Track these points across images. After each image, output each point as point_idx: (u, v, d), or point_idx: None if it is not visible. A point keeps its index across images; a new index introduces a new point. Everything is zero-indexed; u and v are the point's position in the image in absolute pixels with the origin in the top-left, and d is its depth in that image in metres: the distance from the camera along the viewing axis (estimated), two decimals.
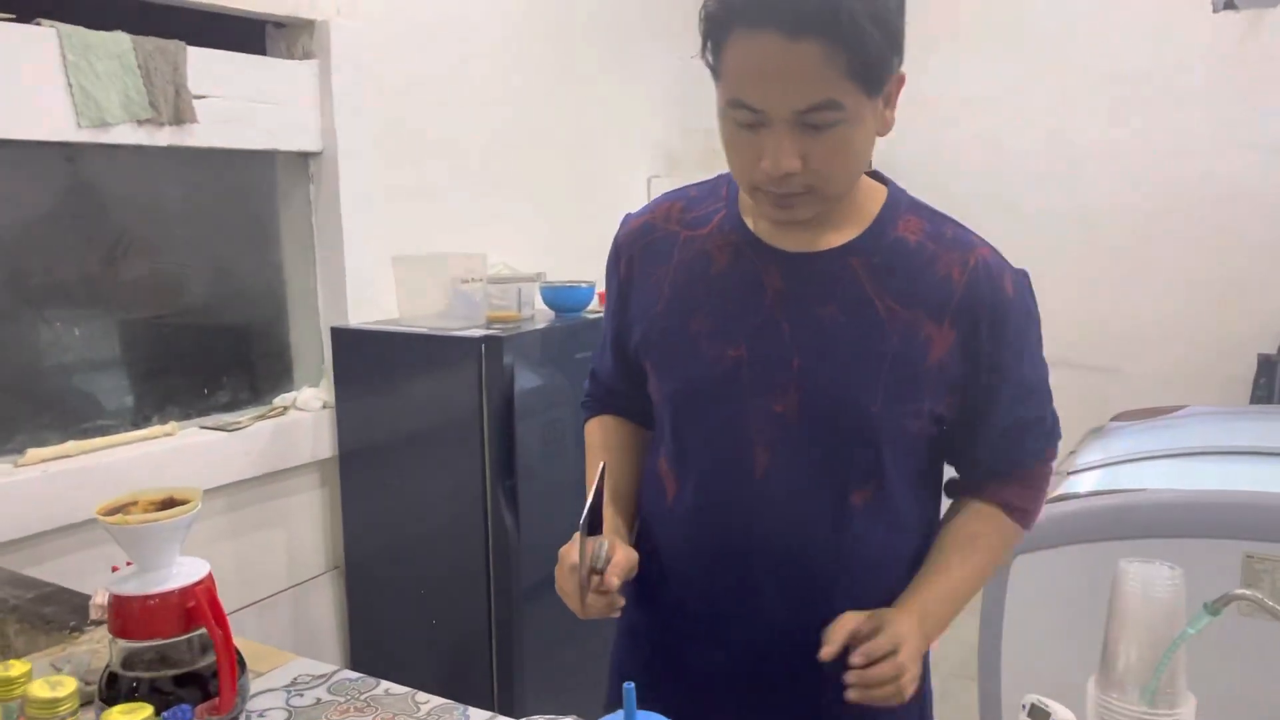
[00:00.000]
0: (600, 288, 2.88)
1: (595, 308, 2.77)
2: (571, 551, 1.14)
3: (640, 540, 1.28)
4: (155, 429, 2.25)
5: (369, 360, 2.47)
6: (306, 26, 2.49)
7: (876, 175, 1.19)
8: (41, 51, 1.94)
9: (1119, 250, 4.17)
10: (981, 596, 2.28)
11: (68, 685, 0.69)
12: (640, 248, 1.24)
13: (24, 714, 0.74)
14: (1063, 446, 2.64)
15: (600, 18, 3.55)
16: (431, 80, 2.78)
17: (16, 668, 0.73)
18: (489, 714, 1.23)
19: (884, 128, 1.06)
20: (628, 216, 1.30)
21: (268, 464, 2.41)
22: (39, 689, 0.69)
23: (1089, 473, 2.51)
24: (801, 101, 0.97)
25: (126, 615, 1.08)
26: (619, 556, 1.12)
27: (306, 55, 2.51)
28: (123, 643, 1.09)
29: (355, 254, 2.59)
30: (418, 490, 2.43)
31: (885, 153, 4.40)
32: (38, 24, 1.95)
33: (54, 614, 1.51)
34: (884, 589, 1.17)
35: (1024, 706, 1.01)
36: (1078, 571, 2.14)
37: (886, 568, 1.19)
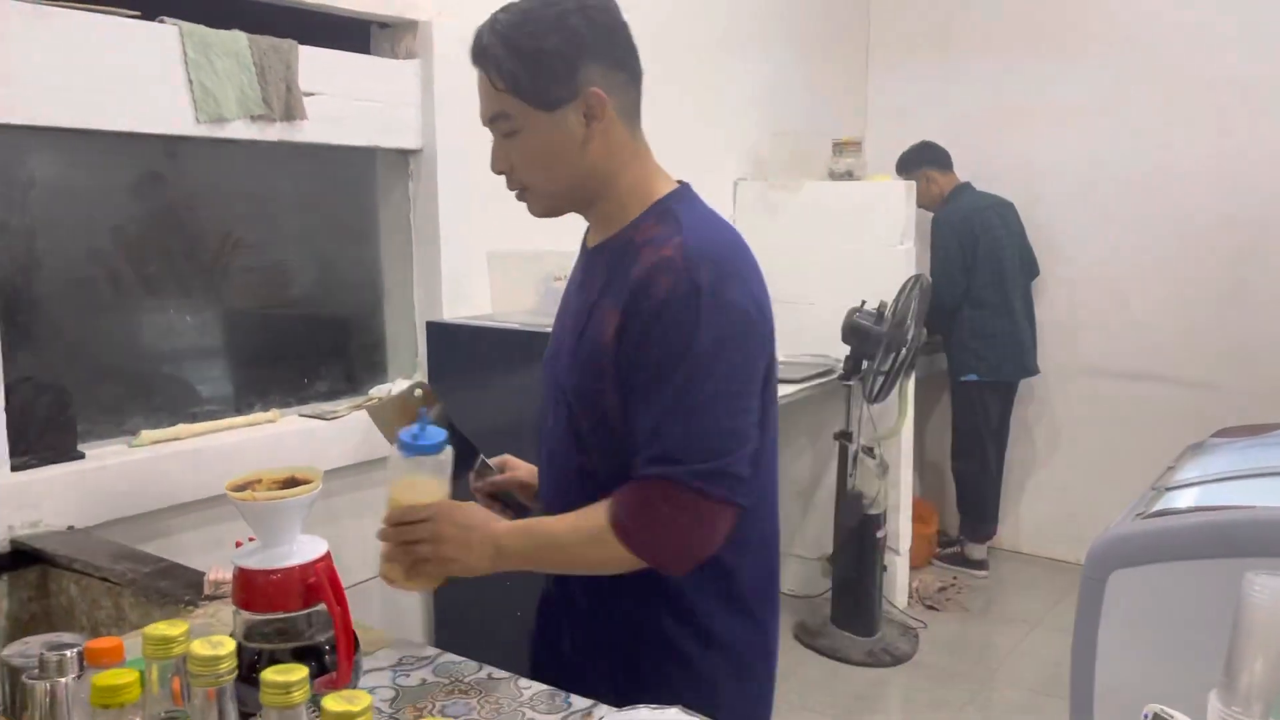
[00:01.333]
0: None
1: None
2: None
3: None
4: (258, 415, 2.32)
5: (462, 354, 2.51)
6: (410, 27, 2.55)
7: (672, 193, 1.30)
8: (164, 48, 2.02)
9: (1219, 263, 4.05)
10: (1076, 612, 2.23)
11: (227, 644, 0.72)
12: None
13: (180, 673, 0.77)
14: (1161, 461, 2.59)
15: (691, 22, 3.57)
16: None
17: (177, 626, 0.76)
18: (590, 701, 1.24)
19: (589, 138, 1.23)
20: None
21: (361, 453, 2.46)
22: (200, 647, 0.72)
23: (1188, 489, 2.44)
24: (484, 114, 1.25)
25: (251, 588, 1.12)
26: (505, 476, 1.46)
27: (409, 55, 2.56)
28: (246, 614, 1.13)
29: (451, 250, 2.63)
30: None
31: (974, 161, 4.35)
32: (161, 21, 2.03)
33: (169, 588, 1.57)
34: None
35: (1145, 716, 0.99)
36: (1178, 588, 2.08)
37: None
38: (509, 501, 1.46)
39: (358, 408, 2.50)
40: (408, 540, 1.26)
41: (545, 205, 1.29)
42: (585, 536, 1.22)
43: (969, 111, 4.44)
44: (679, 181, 1.34)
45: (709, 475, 1.16)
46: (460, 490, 1.40)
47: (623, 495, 1.19)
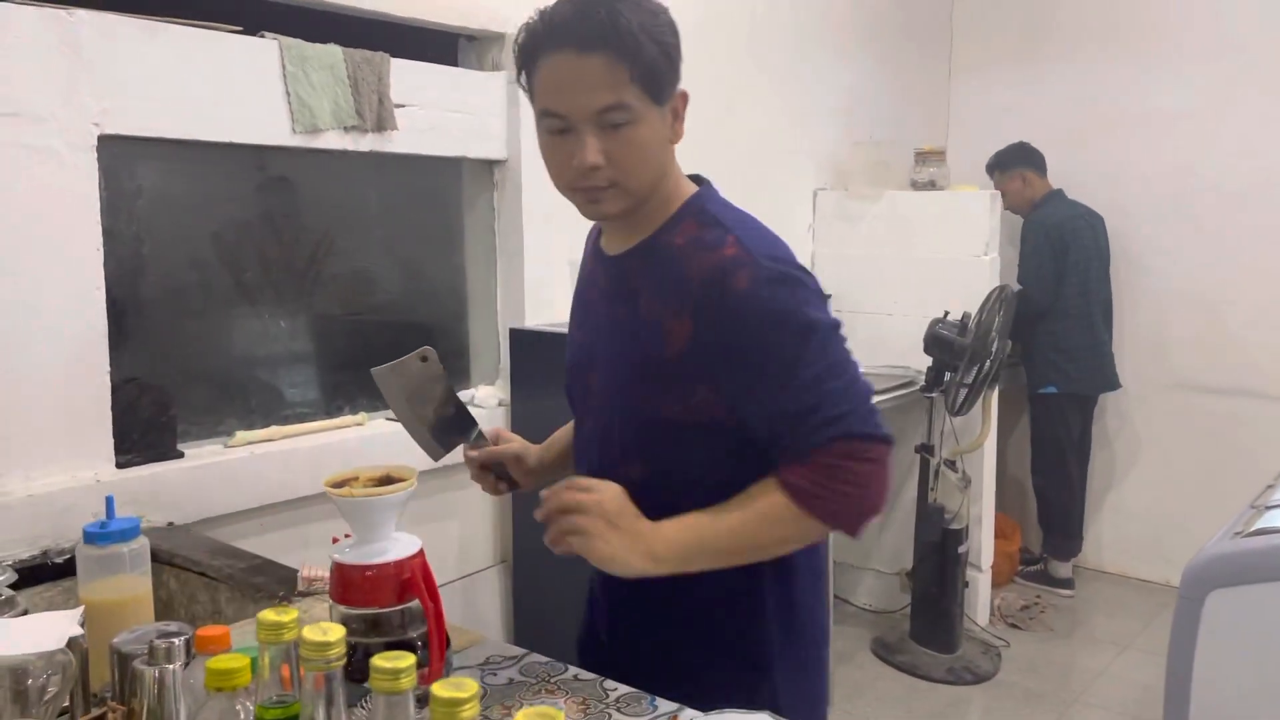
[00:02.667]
0: None
1: None
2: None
3: None
4: (347, 418, 2.38)
5: (544, 360, 2.54)
6: (497, 39, 2.60)
7: (694, 178, 1.33)
8: (263, 62, 2.09)
9: None
10: (1170, 634, 2.16)
11: (337, 631, 0.74)
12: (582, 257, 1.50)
13: (290, 659, 0.80)
14: (1257, 480, 2.50)
15: (772, 31, 3.57)
16: None
17: (287, 613, 0.78)
18: (675, 705, 1.25)
19: (675, 137, 1.26)
20: None
21: (446, 458, 2.50)
22: (311, 633, 0.74)
23: None
24: (597, 103, 1.16)
25: (347, 583, 1.15)
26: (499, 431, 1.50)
27: (496, 67, 2.61)
28: (341, 609, 1.16)
29: (534, 258, 2.67)
30: None
31: (1060, 170, 4.26)
32: (261, 36, 2.10)
33: (264, 584, 1.61)
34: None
35: None
36: (1279, 609, 2.00)
37: None
38: (500, 474, 1.50)
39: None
40: (565, 509, 1.19)
41: (626, 203, 1.24)
42: (762, 519, 1.19)
43: (1054, 119, 4.35)
44: (695, 177, 1.34)
45: (870, 415, 1.18)
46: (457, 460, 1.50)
47: (799, 469, 1.17)
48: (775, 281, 1.18)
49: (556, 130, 1.20)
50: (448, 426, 1.42)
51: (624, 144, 1.18)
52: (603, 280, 1.35)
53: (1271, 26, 3.91)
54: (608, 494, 1.18)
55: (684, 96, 1.25)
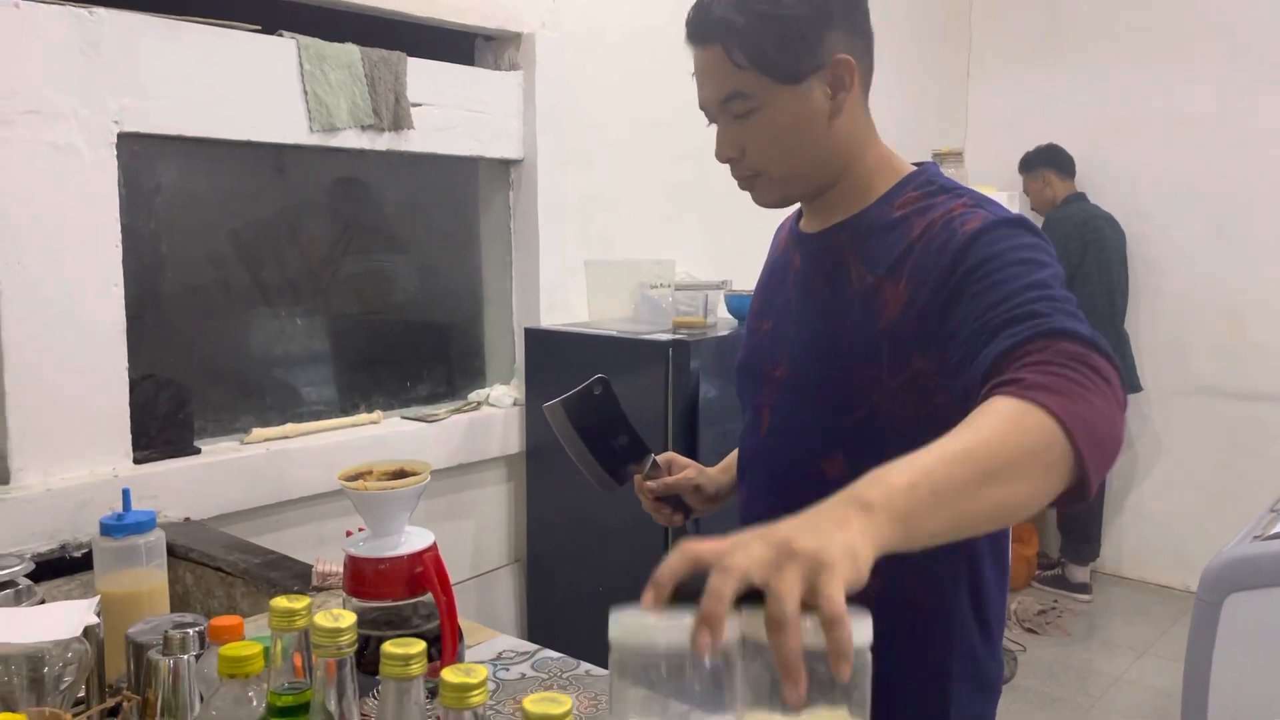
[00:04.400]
0: None
1: None
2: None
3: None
4: (362, 416, 2.38)
5: (559, 360, 2.55)
6: (513, 39, 2.61)
7: (918, 169, 1.20)
8: (282, 61, 2.10)
9: None
10: (1188, 638, 2.14)
11: (348, 618, 0.75)
12: (770, 247, 1.40)
13: (302, 647, 0.80)
14: (1278, 484, 2.47)
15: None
16: (628, 92, 2.85)
17: (300, 601, 0.79)
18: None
19: (836, 110, 1.13)
20: None
21: (460, 456, 2.51)
22: (322, 619, 0.75)
23: None
24: (716, 95, 1.13)
25: (360, 576, 1.15)
26: (672, 477, 1.37)
27: (512, 67, 2.62)
28: (354, 602, 1.16)
29: (549, 258, 2.67)
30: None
31: (1079, 172, 4.21)
32: (279, 35, 2.12)
33: (279, 578, 1.62)
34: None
35: None
36: None
37: None
38: (677, 505, 1.39)
39: (458, 411, 2.56)
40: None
41: (782, 192, 1.17)
42: (998, 426, 0.82)
43: (1073, 121, 4.33)
44: (920, 163, 1.23)
45: (1099, 339, 0.91)
46: (630, 490, 1.37)
47: (1010, 370, 0.89)
48: (1003, 223, 1.04)
49: (709, 123, 1.18)
50: (622, 457, 1.35)
51: (754, 132, 1.12)
52: (799, 261, 1.24)
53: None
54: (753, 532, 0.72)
55: (843, 65, 1.11)
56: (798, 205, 1.29)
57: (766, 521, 0.77)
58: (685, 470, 1.38)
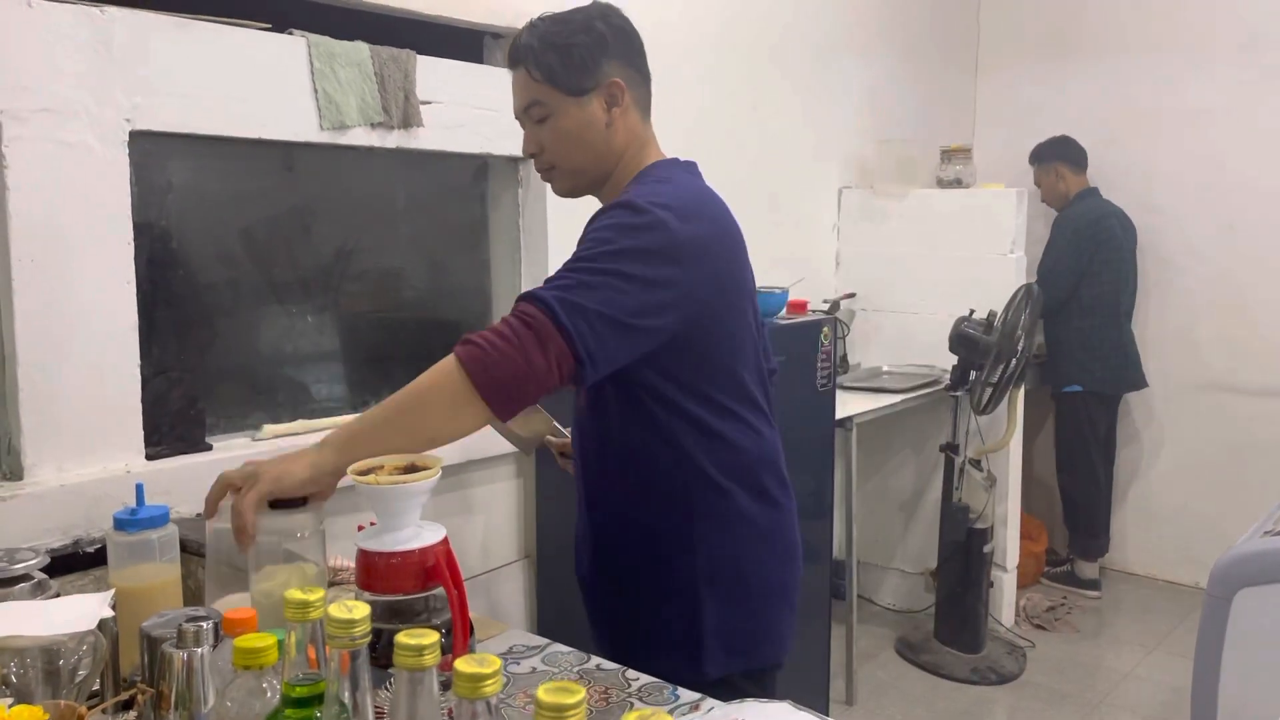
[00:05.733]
0: (792, 294, 2.88)
1: (787, 314, 2.78)
2: None
3: None
4: None
5: None
6: None
7: (651, 166, 1.51)
8: (292, 58, 2.11)
9: None
10: (1197, 633, 2.14)
11: (362, 609, 0.75)
12: None
13: (316, 639, 0.81)
14: None
15: (794, 30, 3.56)
16: None
17: (314, 592, 0.79)
18: (697, 695, 1.25)
19: (611, 120, 1.46)
20: None
21: (470, 452, 2.52)
22: (336, 610, 0.75)
23: None
24: (519, 104, 1.50)
25: (371, 569, 1.16)
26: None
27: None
28: (366, 595, 1.17)
29: (558, 255, 2.67)
30: None
31: (1090, 162, 4.18)
32: (289, 33, 2.12)
33: None
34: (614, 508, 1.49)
35: None
36: None
37: (596, 465, 1.53)
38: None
39: None
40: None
41: (569, 183, 1.52)
42: (423, 376, 1.30)
43: (1082, 116, 4.32)
44: (685, 160, 1.56)
45: (564, 302, 1.23)
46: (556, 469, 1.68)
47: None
48: (620, 206, 1.36)
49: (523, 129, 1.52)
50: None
51: (549, 133, 1.46)
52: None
53: None
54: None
55: (614, 85, 1.45)
56: None
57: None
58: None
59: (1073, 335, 4.03)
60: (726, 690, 1.35)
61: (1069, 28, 4.42)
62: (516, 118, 1.52)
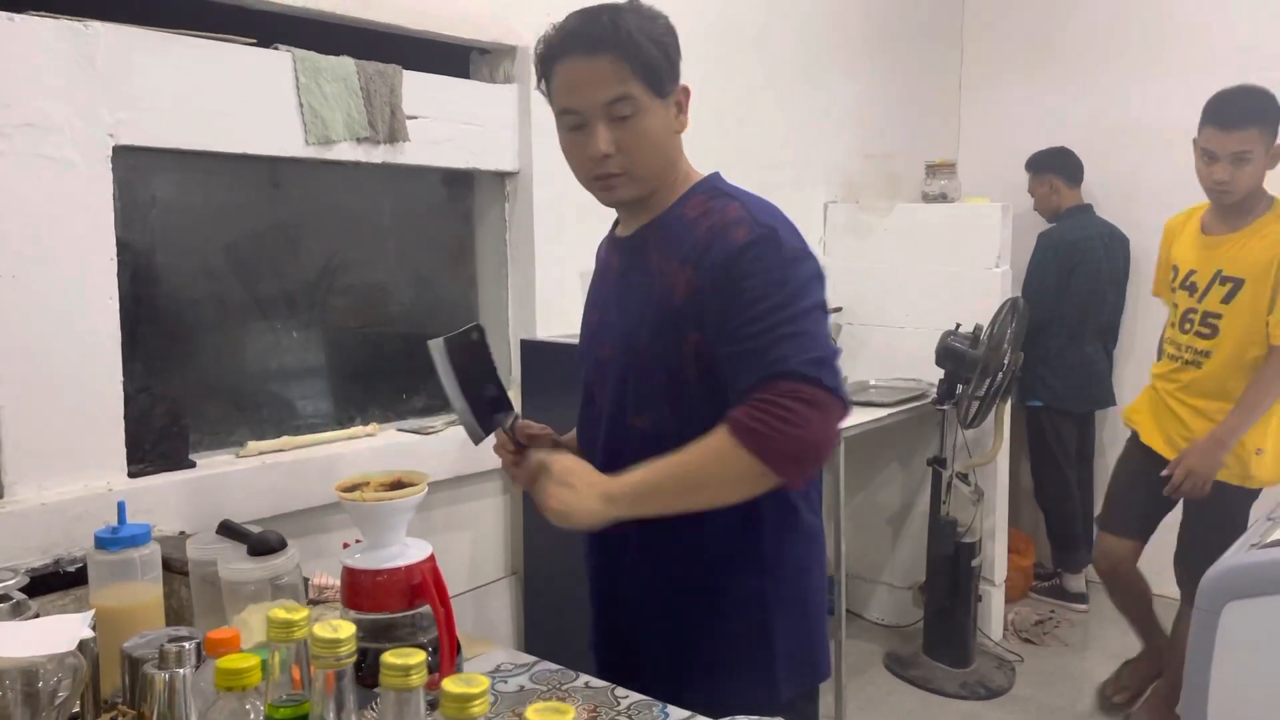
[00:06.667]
0: None
1: None
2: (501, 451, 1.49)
3: None
4: (358, 429, 2.38)
5: (555, 371, 2.54)
6: (509, 52, 2.61)
7: (705, 179, 1.44)
8: (277, 73, 2.10)
9: None
10: (1189, 646, 2.14)
11: (347, 628, 0.74)
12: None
13: (300, 659, 0.79)
14: (1276, 493, 2.49)
15: (781, 46, 3.58)
16: None
17: (298, 611, 0.78)
18: (686, 713, 1.24)
19: (680, 127, 1.39)
20: None
21: (457, 468, 2.51)
22: (321, 630, 0.74)
23: None
24: (604, 96, 1.31)
25: (357, 588, 1.15)
26: (527, 423, 1.48)
27: (507, 79, 2.62)
28: (352, 614, 1.15)
29: (545, 269, 2.68)
30: None
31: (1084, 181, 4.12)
32: (275, 48, 2.12)
33: None
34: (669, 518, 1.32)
35: None
36: None
37: None
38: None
39: (454, 423, 2.55)
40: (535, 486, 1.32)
41: (637, 189, 1.38)
42: (704, 455, 1.25)
43: (1065, 132, 4.34)
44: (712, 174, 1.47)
45: (820, 365, 1.23)
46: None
47: (740, 407, 1.24)
48: (767, 238, 1.29)
49: (574, 127, 1.34)
50: (490, 407, 1.43)
51: (631, 133, 1.32)
52: (617, 261, 1.47)
53: (1273, 40, 3.91)
54: (557, 461, 1.30)
55: (686, 90, 1.39)
56: (611, 222, 1.54)
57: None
58: (544, 430, 1.52)
59: (1035, 350, 4.04)
60: (790, 711, 1.34)
61: (1051, 44, 4.45)
62: (574, 111, 1.33)
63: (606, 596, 1.55)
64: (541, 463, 1.31)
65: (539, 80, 1.40)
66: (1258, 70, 3.93)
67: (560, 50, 1.33)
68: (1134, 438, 3.00)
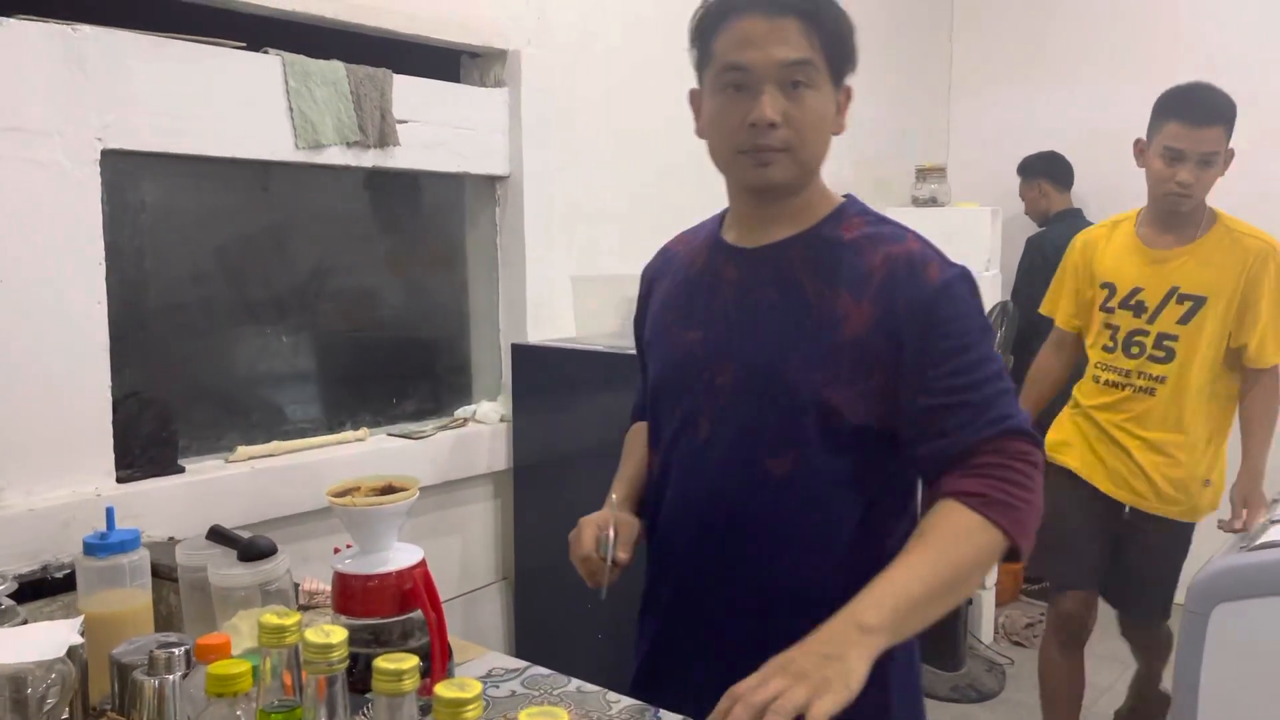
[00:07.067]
0: None
1: None
2: (584, 533, 1.36)
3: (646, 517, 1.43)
4: (348, 434, 2.37)
5: (546, 376, 2.54)
6: (499, 56, 2.61)
7: (848, 198, 1.32)
8: (267, 77, 2.10)
9: None
10: (1176, 649, 2.15)
11: (339, 633, 0.74)
12: (658, 267, 1.47)
13: (292, 664, 0.79)
14: (1265, 494, 2.50)
15: None
16: (615, 108, 2.86)
17: (290, 616, 0.78)
18: (679, 717, 1.24)
19: (838, 127, 1.25)
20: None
21: (447, 473, 2.50)
22: (313, 635, 0.74)
23: None
24: (785, 56, 1.17)
25: (348, 593, 1.14)
26: (624, 533, 1.33)
27: (498, 83, 2.62)
28: (342, 619, 1.15)
29: (535, 274, 2.67)
30: (589, 505, 2.44)
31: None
32: (265, 52, 2.11)
33: None
34: (803, 572, 1.21)
35: None
36: None
37: (806, 548, 1.23)
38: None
39: (445, 427, 2.55)
40: (766, 702, 0.93)
41: (794, 173, 1.21)
42: (954, 543, 1.09)
43: (1054, 137, 4.36)
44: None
45: (1028, 420, 1.17)
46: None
47: (969, 478, 1.12)
48: (962, 278, 1.20)
49: (736, 85, 1.18)
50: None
51: (802, 107, 1.18)
52: (733, 274, 1.28)
53: (1261, 46, 3.94)
54: (777, 661, 0.98)
55: (849, 92, 1.26)
56: (699, 224, 1.43)
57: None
58: (629, 529, 1.35)
59: (1025, 354, 4.03)
60: None
61: (1041, 48, 4.47)
62: (756, 68, 1.17)
63: (700, 640, 1.32)
64: (764, 685, 0.94)
65: (693, 45, 1.25)
66: (1229, 77, 3.97)
67: (733, 11, 1.19)
68: (1067, 474, 2.60)
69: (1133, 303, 2.50)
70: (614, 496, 1.39)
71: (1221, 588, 2.08)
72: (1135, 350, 2.50)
